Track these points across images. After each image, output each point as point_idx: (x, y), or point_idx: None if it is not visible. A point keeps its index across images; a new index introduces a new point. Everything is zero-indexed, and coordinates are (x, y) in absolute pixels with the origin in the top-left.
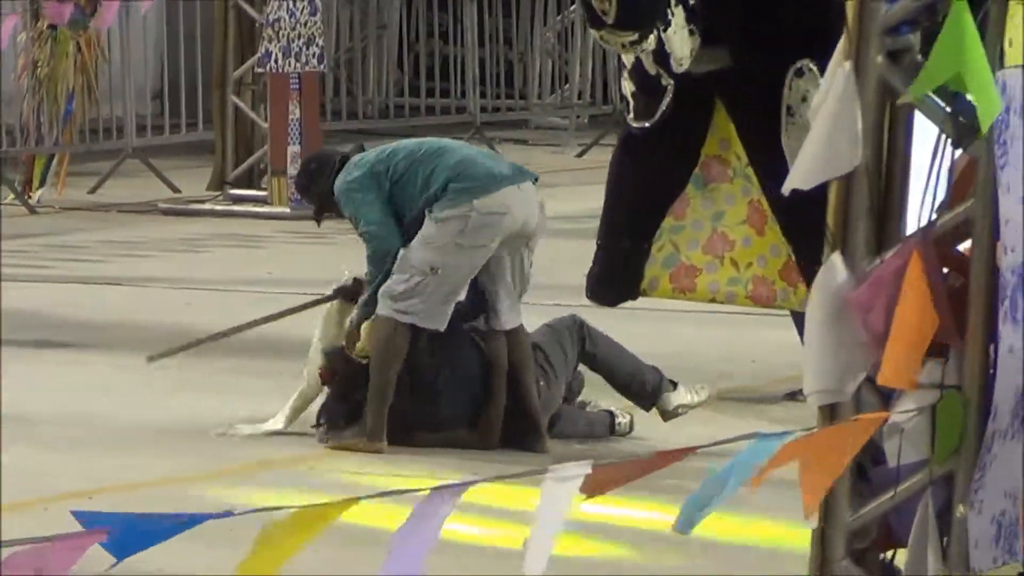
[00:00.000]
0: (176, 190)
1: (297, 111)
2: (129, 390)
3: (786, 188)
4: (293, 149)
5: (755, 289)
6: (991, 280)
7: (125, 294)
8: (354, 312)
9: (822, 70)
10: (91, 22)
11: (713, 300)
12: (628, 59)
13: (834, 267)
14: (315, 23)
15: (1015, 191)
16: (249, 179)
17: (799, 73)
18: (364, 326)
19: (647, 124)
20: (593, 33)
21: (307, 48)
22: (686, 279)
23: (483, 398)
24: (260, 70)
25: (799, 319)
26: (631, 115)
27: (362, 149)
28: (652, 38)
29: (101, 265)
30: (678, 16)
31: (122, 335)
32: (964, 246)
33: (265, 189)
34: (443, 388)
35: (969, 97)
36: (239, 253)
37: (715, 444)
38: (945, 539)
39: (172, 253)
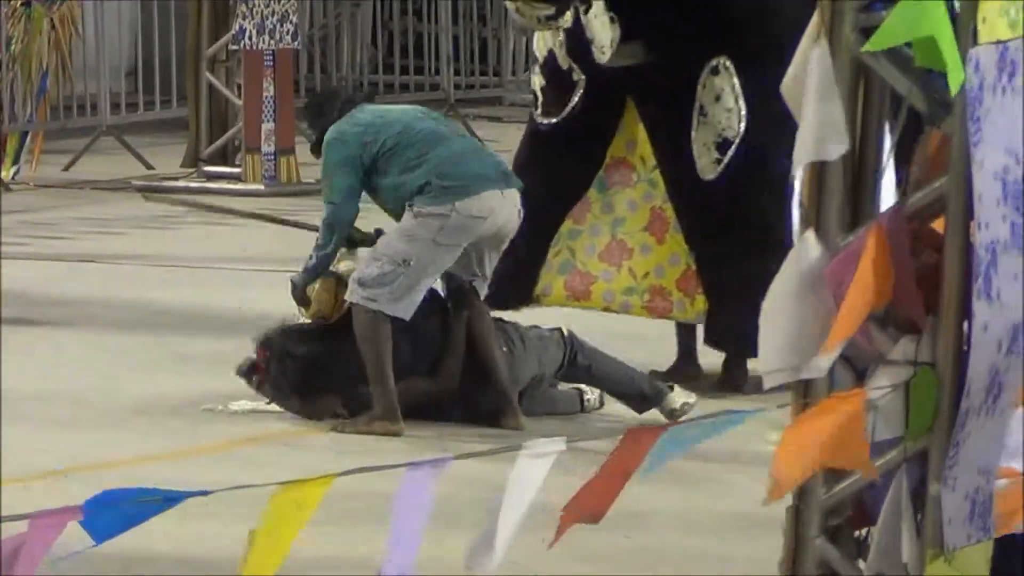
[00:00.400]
0: (150, 167)
1: (271, 88)
2: (106, 367)
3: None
4: (267, 126)
5: (651, 300)
6: (965, 257)
7: (100, 271)
8: (297, 275)
9: (738, 68)
10: None
11: (607, 309)
12: (540, 52)
13: (807, 243)
14: (289, 0)
15: (989, 167)
16: (223, 156)
17: (714, 71)
18: (317, 289)
19: (555, 120)
20: (509, 5)
21: (281, 25)
22: (581, 286)
23: (442, 347)
24: (234, 47)
25: (685, 331)
26: (539, 111)
27: (371, 98)
28: (569, 15)
29: (75, 242)
30: (596, 6)
31: (97, 312)
32: (938, 223)
33: (239, 166)
34: (399, 336)
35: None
36: (213, 230)
37: (690, 420)
38: (919, 516)
39: (146, 230)
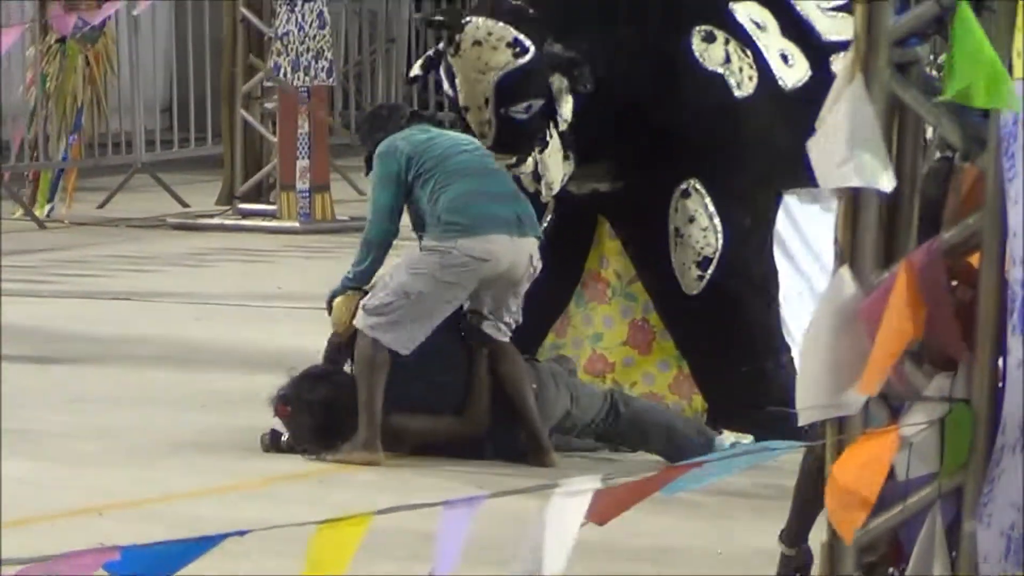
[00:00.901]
0: (185, 204)
1: (306, 125)
2: (139, 404)
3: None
4: (302, 163)
5: None
6: (1000, 293)
7: (134, 309)
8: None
9: (709, 189)
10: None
11: None
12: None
13: (842, 280)
14: (324, 36)
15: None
16: (258, 193)
17: (685, 194)
18: (337, 301)
19: None
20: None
21: (316, 62)
22: None
23: (468, 387)
24: (269, 84)
25: None
26: None
27: (420, 117)
28: (530, 160)
29: (110, 280)
30: (555, 139)
31: (131, 349)
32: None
33: (274, 203)
34: (424, 374)
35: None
36: (248, 268)
37: (721, 458)
38: (953, 553)
39: (181, 267)
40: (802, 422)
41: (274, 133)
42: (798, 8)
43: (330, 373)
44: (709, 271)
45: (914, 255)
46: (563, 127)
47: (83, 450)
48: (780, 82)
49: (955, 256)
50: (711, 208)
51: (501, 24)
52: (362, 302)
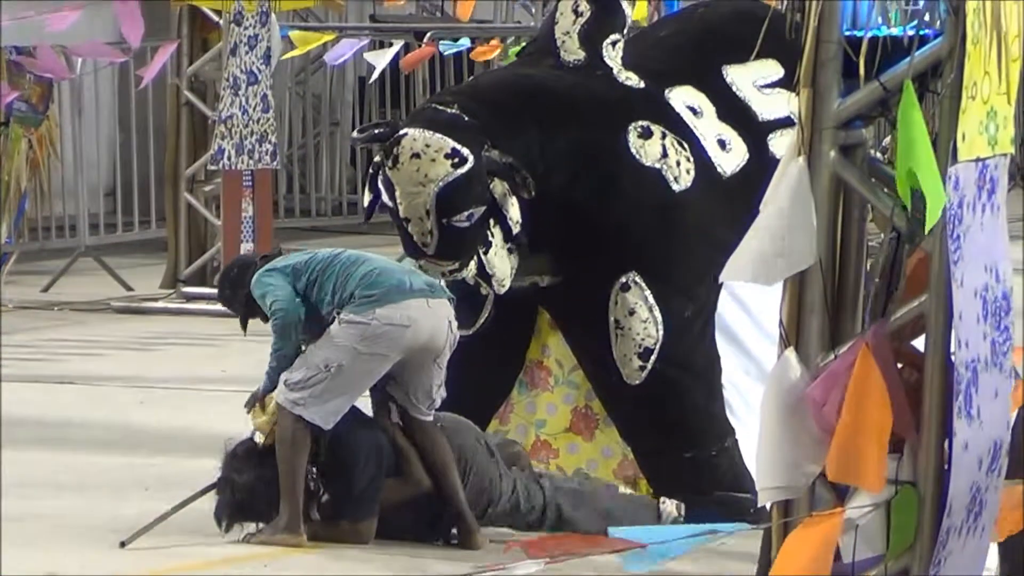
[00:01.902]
0: (129, 288)
1: (250, 208)
2: (82, 489)
3: (724, 277)
4: (246, 247)
5: None
6: (945, 375)
7: (78, 393)
8: (260, 385)
9: (649, 283)
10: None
11: None
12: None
13: (788, 363)
14: (268, 120)
15: (969, 285)
16: (202, 277)
17: (625, 287)
18: (268, 398)
19: (468, 332)
20: (411, 262)
21: (260, 145)
22: None
23: (397, 452)
24: (213, 167)
25: None
26: None
27: (279, 252)
28: (472, 264)
29: (54, 364)
30: (497, 236)
31: (75, 434)
32: (918, 341)
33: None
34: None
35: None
36: (193, 351)
37: (675, 540)
38: None
39: (126, 351)
40: (761, 502)
41: (218, 216)
42: (734, 89)
43: (259, 452)
44: (650, 361)
45: (868, 338)
46: (516, 229)
47: (28, 534)
48: (719, 169)
49: (901, 338)
50: (651, 300)
51: (438, 135)
52: (283, 377)
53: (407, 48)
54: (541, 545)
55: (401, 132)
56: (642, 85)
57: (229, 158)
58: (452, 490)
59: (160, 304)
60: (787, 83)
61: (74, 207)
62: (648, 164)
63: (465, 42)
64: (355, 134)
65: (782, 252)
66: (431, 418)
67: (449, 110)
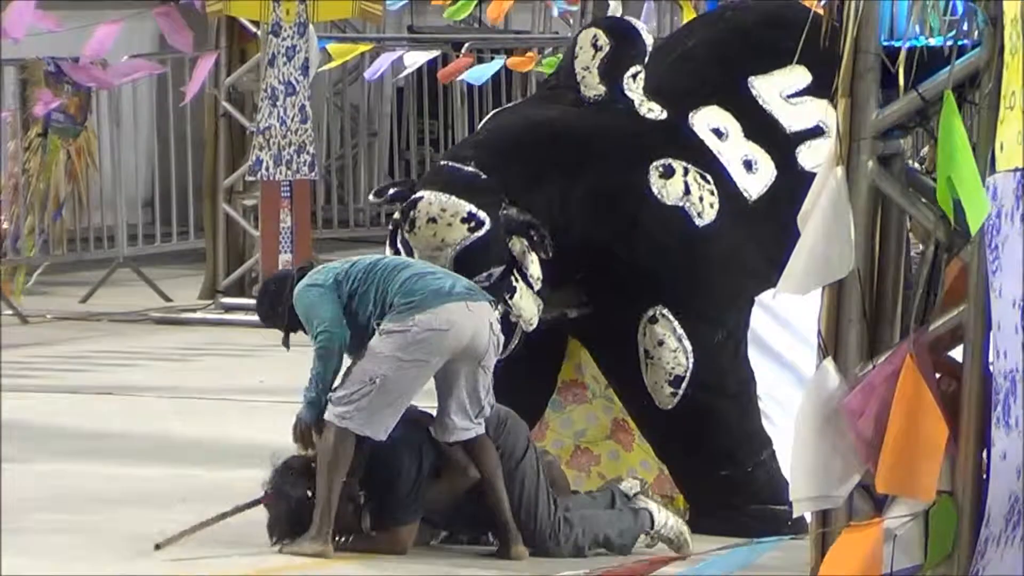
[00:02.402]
0: (167, 299)
1: (288, 219)
2: (121, 500)
3: (778, 293)
4: (284, 257)
5: None
6: (983, 385)
7: (117, 404)
8: (303, 410)
9: (677, 315)
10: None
11: None
12: None
13: (826, 373)
14: (306, 130)
15: (1007, 295)
16: (240, 288)
17: (652, 320)
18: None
19: (499, 358)
20: None
21: (298, 156)
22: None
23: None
24: (251, 178)
25: None
26: None
27: (311, 265)
28: (500, 308)
29: (92, 375)
30: (521, 282)
31: (113, 445)
32: (956, 351)
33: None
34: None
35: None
36: (231, 362)
37: (711, 551)
38: None
39: (164, 362)
40: (796, 513)
41: (256, 227)
42: (760, 102)
43: (310, 466)
44: (682, 388)
45: (909, 348)
46: (537, 286)
47: (69, 547)
48: (744, 195)
49: (939, 348)
50: (679, 331)
51: (454, 199)
52: (329, 395)
53: (445, 58)
54: None
55: (418, 195)
56: (664, 116)
57: (267, 169)
58: (497, 498)
59: (198, 315)
60: (815, 90)
61: (112, 218)
62: (670, 203)
63: (498, 62)
64: (372, 197)
65: (821, 261)
66: (482, 429)
67: (467, 168)
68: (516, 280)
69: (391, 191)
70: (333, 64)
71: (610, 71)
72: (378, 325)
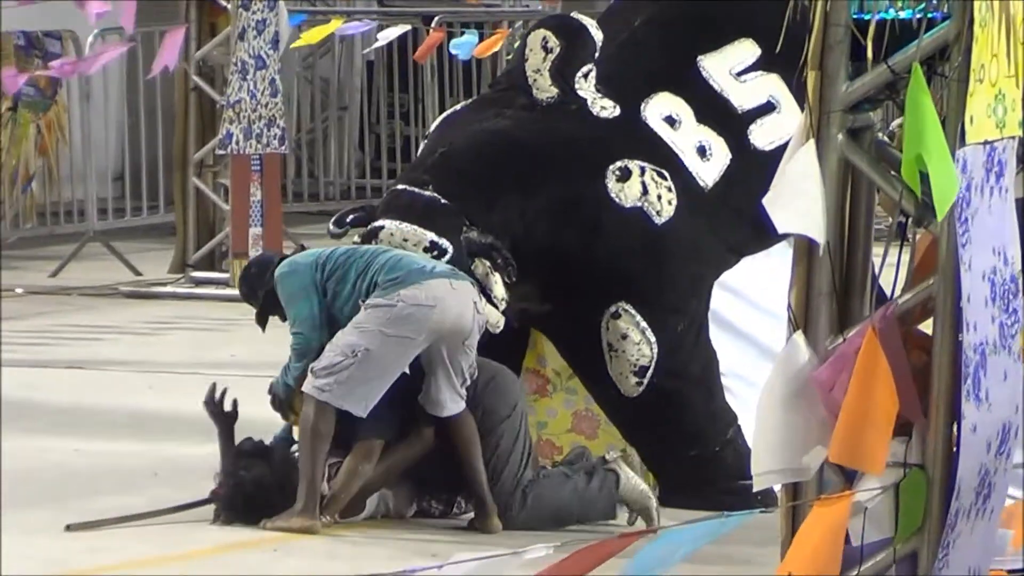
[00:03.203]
0: (138, 273)
1: (259, 192)
2: (91, 474)
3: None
4: (255, 231)
5: None
6: (954, 358)
7: (87, 378)
8: (279, 383)
9: (639, 309)
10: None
11: None
12: None
13: (796, 346)
14: (276, 104)
15: (977, 268)
16: (211, 261)
17: (615, 315)
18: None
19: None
20: None
21: (268, 129)
22: None
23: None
24: (221, 152)
25: None
26: None
27: (303, 248)
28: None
29: (63, 349)
30: (482, 301)
31: (84, 419)
32: (926, 325)
33: (227, 271)
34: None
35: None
36: (201, 336)
37: (683, 524)
38: None
39: (134, 336)
40: (757, 487)
41: (227, 201)
42: (711, 83)
43: (263, 449)
44: (647, 377)
45: (875, 321)
46: (502, 307)
47: (37, 520)
48: (700, 184)
49: (910, 321)
50: (643, 324)
51: (415, 228)
52: (311, 365)
53: (415, 32)
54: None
55: (378, 224)
56: (617, 112)
57: (237, 143)
58: (473, 470)
59: (169, 289)
60: (764, 64)
61: (82, 192)
62: (629, 205)
63: (472, 39)
64: (331, 226)
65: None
66: (463, 405)
67: (425, 193)
68: (480, 296)
69: (349, 218)
70: (301, 43)
71: (562, 72)
72: (362, 303)
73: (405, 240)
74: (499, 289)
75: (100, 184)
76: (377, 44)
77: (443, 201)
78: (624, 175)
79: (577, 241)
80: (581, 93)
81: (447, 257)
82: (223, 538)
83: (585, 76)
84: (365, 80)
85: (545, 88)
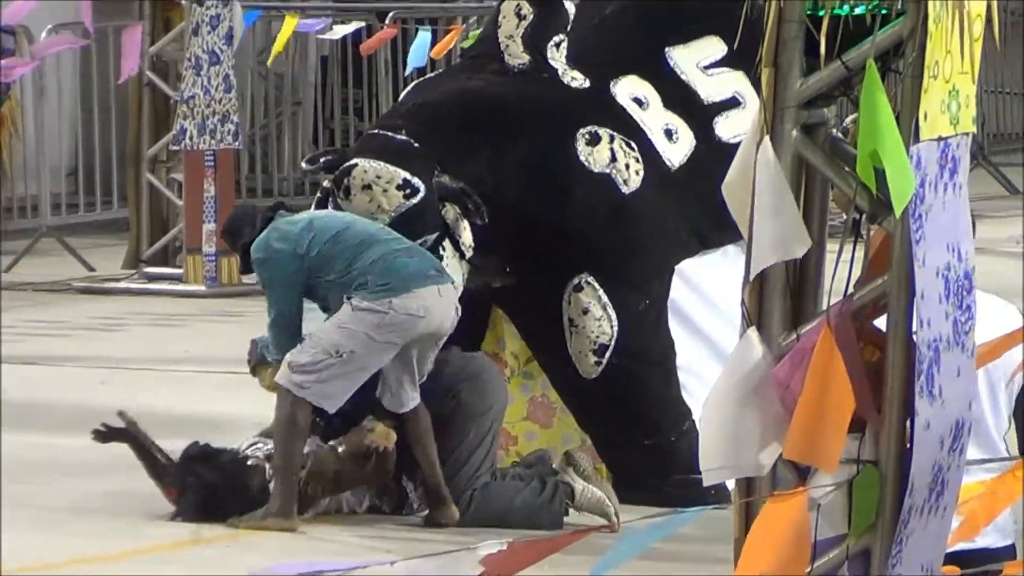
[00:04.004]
0: (91, 268)
1: (212, 188)
2: (45, 469)
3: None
4: (208, 227)
5: None
6: (907, 355)
7: (41, 373)
8: (262, 343)
9: (602, 282)
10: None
11: None
12: None
13: (750, 343)
14: (230, 100)
15: (931, 264)
16: (164, 257)
17: (578, 288)
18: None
19: None
20: None
21: (222, 125)
22: None
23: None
24: (175, 147)
25: None
26: None
27: (282, 206)
28: None
29: (16, 344)
30: (449, 249)
31: (38, 414)
32: (880, 321)
33: (180, 267)
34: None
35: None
36: (155, 331)
37: (632, 522)
38: None
39: (88, 332)
40: (708, 482)
41: (180, 196)
42: (678, 72)
43: (210, 454)
44: (606, 357)
45: (830, 317)
46: (469, 254)
47: None
48: (667, 163)
49: (863, 317)
50: (604, 299)
51: (389, 166)
52: (288, 358)
53: (369, 28)
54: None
55: (351, 162)
56: (587, 84)
57: (191, 138)
58: (429, 462)
59: (122, 284)
60: (730, 61)
61: (36, 187)
62: (597, 170)
63: (425, 39)
64: (304, 164)
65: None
66: (419, 398)
67: (399, 136)
68: (443, 248)
69: (323, 159)
70: (276, 51)
71: (534, 40)
72: (348, 299)
73: (378, 177)
74: (467, 236)
75: (53, 179)
76: (328, 36)
77: (416, 144)
78: (594, 139)
79: (545, 202)
80: (552, 63)
81: (419, 196)
82: (180, 534)
83: (557, 46)
84: (319, 76)
85: (517, 55)
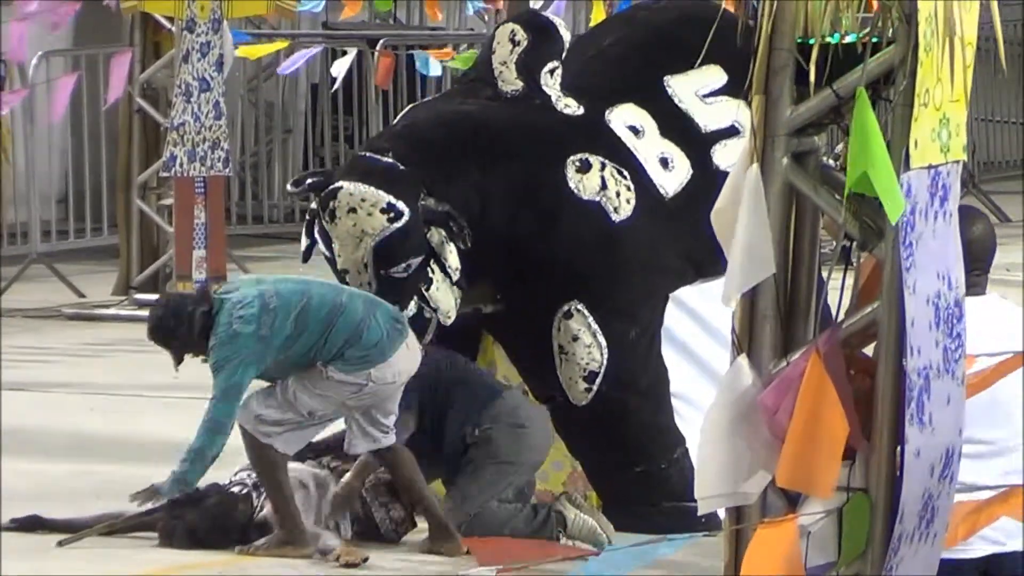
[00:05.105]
0: (81, 295)
1: (203, 215)
2: (34, 496)
3: (724, 301)
4: (199, 254)
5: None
6: (897, 382)
7: (30, 400)
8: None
9: (593, 310)
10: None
11: None
12: None
13: (740, 370)
14: (220, 127)
15: (921, 292)
16: (154, 284)
17: (567, 315)
18: None
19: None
20: None
21: (212, 152)
22: None
23: None
24: (165, 174)
25: None
26: None
27: (206, 293)
28: (413, 304)
29: (6, 371)
30: (438, 273)
31: (27, 440)
32: (870, 348)
33: None
34: None
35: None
36: (145, 358)
37: (633, 546)
38: None
39: (77, 358)
40: (702, 511)
41: (170, 223)
42: (676, 101)
43: (196, 498)
44: (596, 384)
45: (819, 345)
46: (456, 277)
47: None
48: (661, 191)
49: (853, 345)
50: (594, 326)
51: (373, 189)
52: (257, 410)
53: (360, 56)
54: (489, 549)
55: (336, 185)
56: (581, 111)
57: (181, 165)
58: (426, 503)
59: (112, 311)
60: (730, 90)
61: (26, 214)
62: (587, 198)
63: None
64: (289, 186)
65: (749, 261)
66: (394, 437)
67: (384, 159)
68: (433, 272)
69: (309, 181)
70: (244, 54)
71: (527, 66)
72: (324, 363)
73: (363, 200)
74: (453, 259)
75: (43, 206)
76: (335, 86)
77: (401, 167)
78: (584, 167)
79: (533, 229)
80: (546, 89)
81: (403, 220)
82: (173, 559)
83: (551, 73)
84: (309, 103)
85: (511, 81)
